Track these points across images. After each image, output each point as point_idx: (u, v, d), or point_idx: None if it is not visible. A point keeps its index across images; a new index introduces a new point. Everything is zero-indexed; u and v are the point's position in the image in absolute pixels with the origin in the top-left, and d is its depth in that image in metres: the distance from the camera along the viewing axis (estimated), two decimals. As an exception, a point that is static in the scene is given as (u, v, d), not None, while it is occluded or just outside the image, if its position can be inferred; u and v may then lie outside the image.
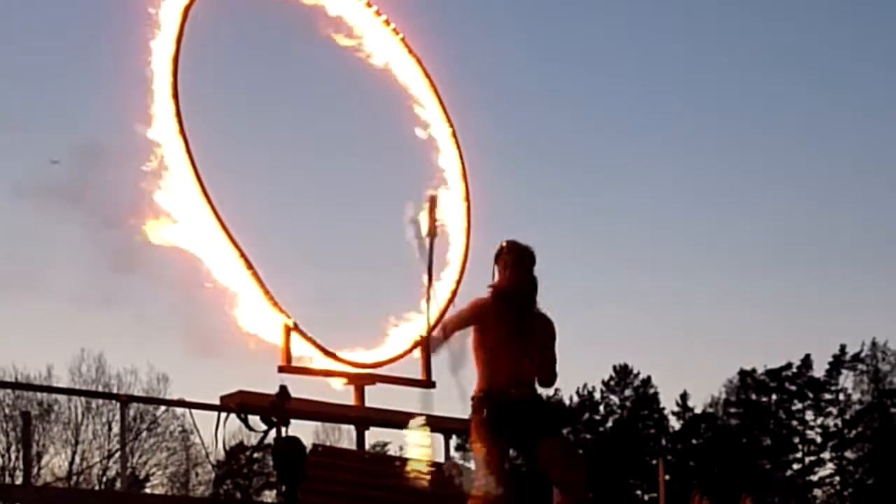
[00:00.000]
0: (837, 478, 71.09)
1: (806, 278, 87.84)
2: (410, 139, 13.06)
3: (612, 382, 68.05)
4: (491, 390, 10.77)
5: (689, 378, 75.48)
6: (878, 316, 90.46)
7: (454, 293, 12.88)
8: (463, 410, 10.01)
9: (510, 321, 10.53)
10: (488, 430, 10.93)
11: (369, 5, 12.85)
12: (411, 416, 12.73)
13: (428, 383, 12.60)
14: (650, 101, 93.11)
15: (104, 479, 53.47)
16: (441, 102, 13.08)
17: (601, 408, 68.01)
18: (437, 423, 13.05)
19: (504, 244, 11.01)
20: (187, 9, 11.89)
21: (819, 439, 71.39)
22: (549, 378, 10.95)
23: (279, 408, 11.05)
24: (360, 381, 12.25)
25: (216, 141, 11.76)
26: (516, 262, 10.84)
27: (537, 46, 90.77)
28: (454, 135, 13.11)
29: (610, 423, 68.07)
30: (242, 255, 11.72)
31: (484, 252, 12.99)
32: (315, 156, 13.32)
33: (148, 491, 50.49)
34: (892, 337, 72.15)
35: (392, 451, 48.74)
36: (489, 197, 13.16)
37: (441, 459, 13.29)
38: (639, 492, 57.40)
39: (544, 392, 11.89)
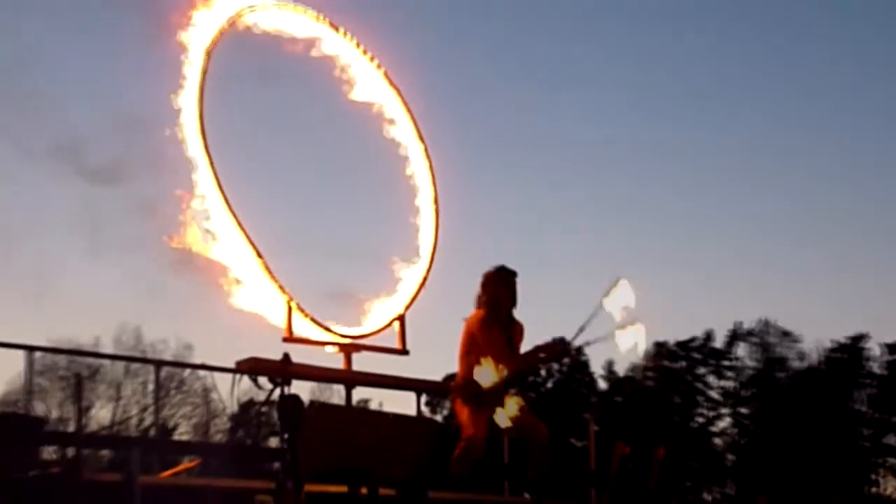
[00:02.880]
0: (735, 429, 71.39)
1: (709, 262, 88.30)
2: (390, 152, 13.06)
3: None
4: None
5: (614, 348, 75.41)
6: (768, 297, 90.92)
7: (421, 286, 12.93)
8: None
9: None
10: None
11: (358, 46, 12.84)
12: (391, 378, 12.73)
13: (403, 351, 12.60)
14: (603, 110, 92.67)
15: (140, 427, 53.71)
16: (416, 125, 13.10)
17: (543, 372, 68.32)
18: (410, 384, 13.05)
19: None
20: (210, 51, 11.87)
21: (719, 398, 71.75)
22: None
23: (283, 371, 11.01)
24: (348, 350, 12.24)
25: (234, 156, 11.71)
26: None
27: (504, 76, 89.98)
28: (426, 151, 13.10)
29: (550, 385, 68.61)
30: (255, 247, 11.71)
31: (447, 248, 13.04)
32: (312, 166, 13.28)
33: (175, 438, 50.44)
34: (779, 315, 72.69)
35: (373, 405, 48.85)
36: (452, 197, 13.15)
37: (413, 413, 13.28)
38: (573, 440, 57.43)
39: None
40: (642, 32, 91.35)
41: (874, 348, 71.03)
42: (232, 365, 11.41)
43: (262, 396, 11.25)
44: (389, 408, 14.44)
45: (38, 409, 48.83)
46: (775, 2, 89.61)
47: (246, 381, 11.30)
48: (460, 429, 12.83)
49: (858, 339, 71.03)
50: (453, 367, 11.82)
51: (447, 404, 63.26)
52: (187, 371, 55.47)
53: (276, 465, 11.11)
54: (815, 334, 72.46)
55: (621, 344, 12.14)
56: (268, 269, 11.76)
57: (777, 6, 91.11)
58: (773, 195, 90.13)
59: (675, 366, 72.16)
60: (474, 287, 12.54)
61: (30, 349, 13.20)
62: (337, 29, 12.77)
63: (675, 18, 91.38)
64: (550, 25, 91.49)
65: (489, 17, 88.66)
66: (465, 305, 14.15)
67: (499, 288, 11.92)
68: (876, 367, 71.25)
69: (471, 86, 79.94)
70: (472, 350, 12.15)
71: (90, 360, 56.34)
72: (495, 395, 12.15)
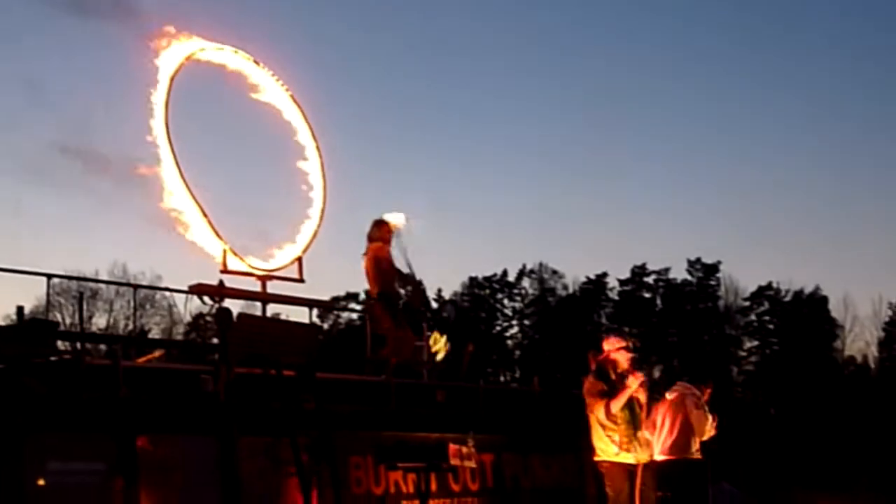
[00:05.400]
0: (521, 335, 72.23)
1: (505, 217, 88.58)
2: (291, 146, 13.03)
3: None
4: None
5: (443, 280, 75.87)
6: (546, 245, 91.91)
7: (314, 235, 12.90)
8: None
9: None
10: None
11: (273, 75, 12.76)
12: (293, 298, 12.71)
13: (301, 280, 12.60)
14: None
15: (125, 330, 54.19)
16: (310, 126, 13.05)
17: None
18: (306, 302, 13.03)
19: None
20: (172, 77, 11.76)
21: (511, 314, 72.50)
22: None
23: (219, 292, 10.99)
24: (264, 279, 12.19)
25: (186, 143, 11.60)
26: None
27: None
28: (318, 148, 13.04)
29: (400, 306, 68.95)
30: (202, 209, 11.63)
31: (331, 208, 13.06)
32: (241, 153, 13.22)
33: (150, 337, 50.36)
34: (551, 259, 73.71)
35: (282, 316, 48.71)
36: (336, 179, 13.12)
37: (307, 321, 13.28)
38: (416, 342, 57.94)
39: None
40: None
41: (612, 282, 72.34)
42: (186, 288, 11.33)
43: (206, 309, 11.21)
44: (292, 318, 14.50)
45: (57, 317, 48.41)
46: None
47: (195, 299, 11.26)
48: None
49: (602, 276, 72.37)
50: (336, 291, 11.82)
51: (331, 316, 63.30)
52: (158, 293, 56.17)
53: (216, 355, 11.07)
54: (573, 272, 73.44)
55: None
56: (211, 224, 11.68)
57: None
58: (544, 161, 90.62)
59: (482, 293, 72.88)
60: (351, 237, 12.94)
61: (49, 276, 13.02)
62: (258, 63, 12.69)
63: None
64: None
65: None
66: (345, 249, 14.14)
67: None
68: (613, 295, 72.61)
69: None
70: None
71: (92, 284, 56.41)
72: None
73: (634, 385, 11.17)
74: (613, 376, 11.31)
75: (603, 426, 11.10)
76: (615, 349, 11.46)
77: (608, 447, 11.11)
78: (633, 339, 11.85)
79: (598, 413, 11.10)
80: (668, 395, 12.45)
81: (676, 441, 12.31)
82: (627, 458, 11.09)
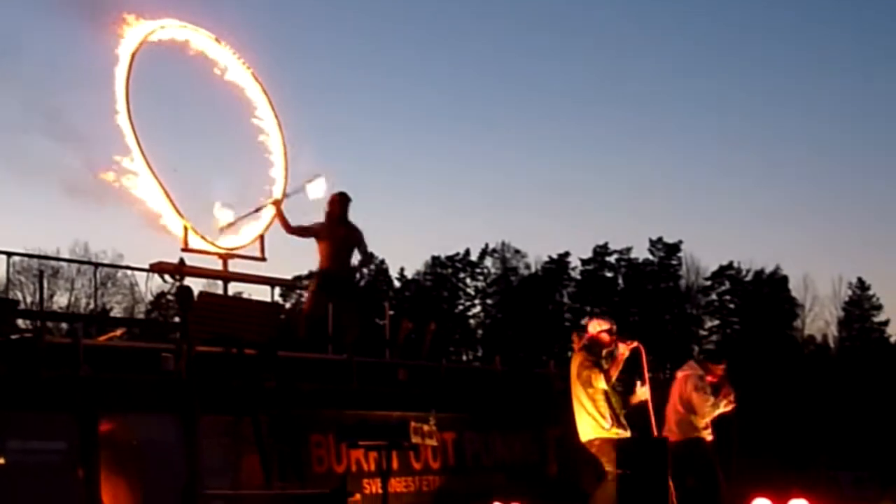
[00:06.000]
0: (483, 314, 72.44)
1: (469, 198, 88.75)
2: (256, 127, 13.01)
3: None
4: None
5: (406, 259, 75.97)
6: (509, 224, 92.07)
7: (276, 214, 12.94)
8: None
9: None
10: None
11: (234, 53, 12.73)
12: (254, 276, 12.70)
13: (262, 259, 12.59)
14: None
15: (86, 308, 53.83)
16: (272, 104, 13.05)
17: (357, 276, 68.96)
18: (267, 281, 13.04)
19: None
20: (134, 54, 11.71)
21: (473, 293, 72.65)
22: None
23: (179, 270, 10.98)
24: (225, 257, 12.20)
25: (146, 121, 11.55)
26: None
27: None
28: (279, 125, 13.03)
29: (362, 284, 69.12)
30: (164, 188, 11.62)
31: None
32: (203, 131, 13.16)
33: (111, 315, 50.17)
34: (514, 238, 73.86)
35: (244, 295, 48.58)
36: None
37: (268, 299, 13.26)
38: (377, 320, 57.90)
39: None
40: None
41: (574, 261, 72.59)
42: (147, 266, 11.29)
43: (167, 288, 11.18)
44: (254, 297, 14.54)
45: (17, 296, 48.13)
46: None
47: (157, 277, 11.24)
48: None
49: (564, 256, 72.60)
50: (298, 270, 11.97)
51: (294, 295, 63.29)
52: (119, 272, 56.16)
53: (177, 333, 11.05)
54: (536, 251, 73.70)
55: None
56: (172, 202, 11.67)
57: None
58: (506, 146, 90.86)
59: (445, 272, 72.99)
60: (315, 216, 13.06)
61: (9, 254, 12.94)
62: (219, 41, 12.65)
63: None
64: None
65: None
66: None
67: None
68: (575, 274, 72.91)
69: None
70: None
71: (53, 262, 56.32)
72: None
73: (626, 351, 11.27)
74: (603, 354, 11.39)
75: (594, 401, 11.12)
76: (601, 330, 11.53)
77: (601, 421, 11.08)
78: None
79: (598, 383, 11.11)
80: (679, 374, 12.62)
81: (680, 421, 12.43)
82: (619, 434, 11.10)
